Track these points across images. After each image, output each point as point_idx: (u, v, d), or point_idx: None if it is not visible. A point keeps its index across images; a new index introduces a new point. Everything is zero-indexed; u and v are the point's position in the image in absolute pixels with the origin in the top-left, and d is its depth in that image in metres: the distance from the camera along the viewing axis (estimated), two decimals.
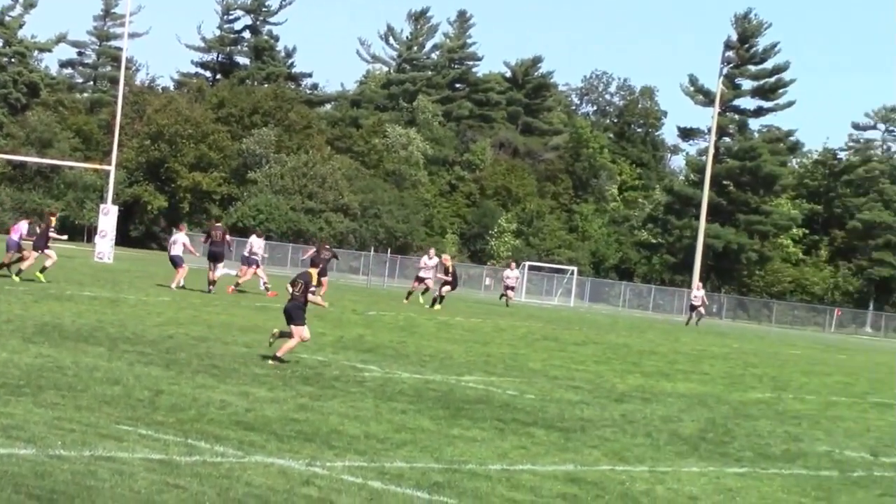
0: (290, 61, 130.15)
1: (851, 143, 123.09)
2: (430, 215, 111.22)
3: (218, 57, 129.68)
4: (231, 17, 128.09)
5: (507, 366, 24.22)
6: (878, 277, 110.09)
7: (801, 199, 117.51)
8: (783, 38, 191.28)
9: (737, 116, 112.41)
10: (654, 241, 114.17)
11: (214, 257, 39.17)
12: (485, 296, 76.89)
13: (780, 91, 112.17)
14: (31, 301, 26.95)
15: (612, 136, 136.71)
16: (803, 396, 25.08)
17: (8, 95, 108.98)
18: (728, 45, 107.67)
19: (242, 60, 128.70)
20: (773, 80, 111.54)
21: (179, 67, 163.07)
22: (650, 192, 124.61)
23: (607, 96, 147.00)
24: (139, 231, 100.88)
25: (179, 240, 40.00)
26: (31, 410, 12.64)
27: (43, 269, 34.38)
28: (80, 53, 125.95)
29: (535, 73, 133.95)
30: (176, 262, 39.19)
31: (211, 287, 37.87)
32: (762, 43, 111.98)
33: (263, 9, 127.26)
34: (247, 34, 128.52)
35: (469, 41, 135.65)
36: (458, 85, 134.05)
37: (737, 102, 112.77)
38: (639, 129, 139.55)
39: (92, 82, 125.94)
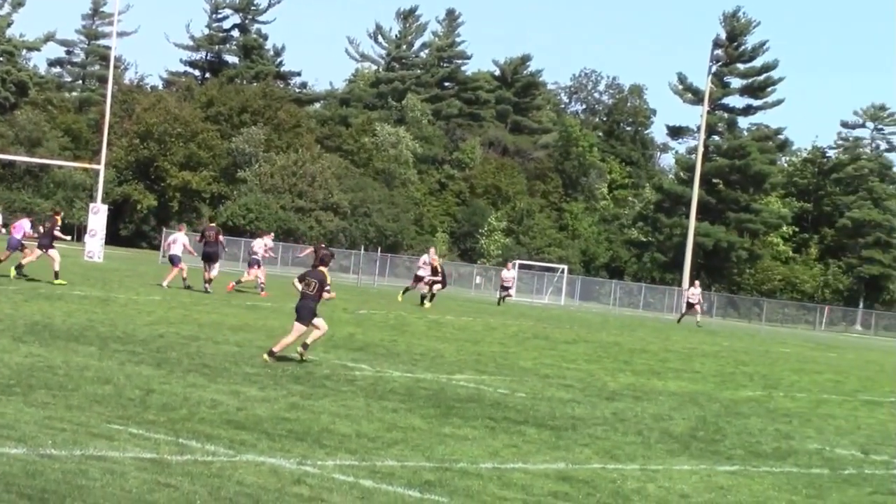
0: (278, 60, 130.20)
1: (840, 142, 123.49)
2: (420, 214, 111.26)
3: (207, 56, 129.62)
4: (220, 16, 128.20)
5: (498, 364, 24.20)
6: (867, 275, 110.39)
7: (790, 198, 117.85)
8: (772, 36, 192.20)
9: (726, 115, 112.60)
10: (644, 239, 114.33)
11: (209, 258, 39.36)
12: (475, 294, 76.89)
13: (769, 89, 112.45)
14: (22, 300, 26.89)
15: (601, 134, 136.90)
16: (794, 394, 25.11)
17: None
18: (717, 44, 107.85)
19: (231, 59, 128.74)
20: (761, 78, 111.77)
21: (168, 66, 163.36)
22: (640, 190, 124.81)
23: (596, 95, 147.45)
24: (129, 230, 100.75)
25: (179, 239, 40.15)
26: (21, 410, 12.61)
27: (56, 275, 34.25)
28: (68, 52, 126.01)
29: (524, 72, 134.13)
30: (174, 261, 39.34)
31: (207, 286, 37.92)
32: (751, 41, 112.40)
33: (252, 7, 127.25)
34: (235, 33, 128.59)
35: (458, 40, 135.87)
36: (447, 83, 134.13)
37: (726, 101, 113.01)
38: (628, 128, 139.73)
39: (81, 81, 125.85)
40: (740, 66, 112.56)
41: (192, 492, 9.71)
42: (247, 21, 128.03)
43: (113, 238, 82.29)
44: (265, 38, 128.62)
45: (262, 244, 42.36)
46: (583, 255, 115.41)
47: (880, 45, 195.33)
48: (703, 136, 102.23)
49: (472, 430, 14.74)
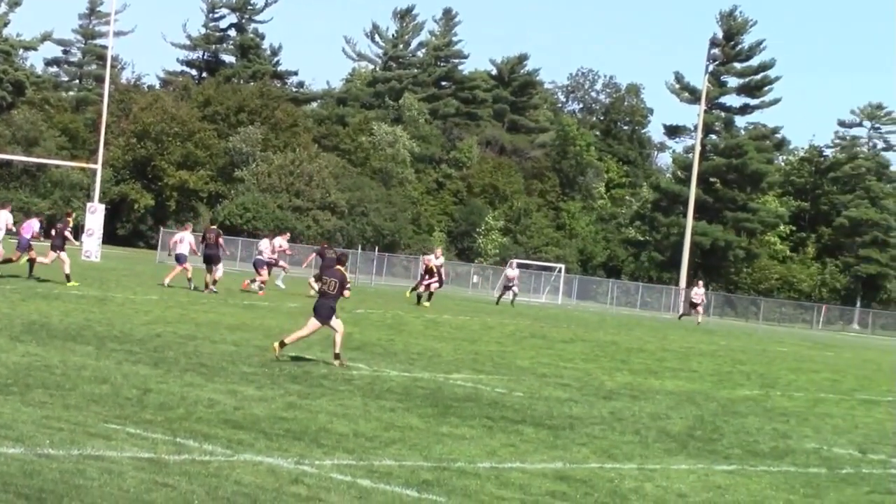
0: (275, 59, 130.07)
1: (837, 141, 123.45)
2: (418, 213, 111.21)
3: (203, 55, 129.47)
4: (216, 16, 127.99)
5: (495, 364, 24.21)
6: (864, 274, 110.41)
7: (787, 197, 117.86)
8: (769, 35, 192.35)
9: (723, 114, 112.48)
10: (641, 238, 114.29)
11: (209, 259, 39.52)
12: (472, 294, 76.88)
13: (766, 88, 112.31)
14: (19, 300, 26.88)
15: (598, 133, 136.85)
16: (791, 393, 25.12)
17: None
18: (714, 43, 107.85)
19: (228, 58, 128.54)
20: (758, 77, 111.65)
21: (165, 66, 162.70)
22: (637, 189, 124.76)
23: (593, 94, 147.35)
24: (126, 229, 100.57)
25: (186, 238, 40.25)
26: (19, 409, 12.60)
27: (68, 278, 34.23)
28: (65, 52, 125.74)
29: (521, 71, 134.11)
30: (179, 260, 39.44)
31: (212, 287, 38.01)
32: (748, 40, 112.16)
33: (249, 7, 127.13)
34: (232, 32, 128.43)
35: (455, 39, 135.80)
36: (444, 83, 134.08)
37: (723, 100, 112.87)
38: (625, 127, 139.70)
39: (77, 81, 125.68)
40: (737, 66, 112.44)
41: (189, 491, 9.71)
42: (244, 20, 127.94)
43: (110, 237, 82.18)
44: (262, 37, 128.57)
45: (268, 244, 42.87)
46: (580, 255, 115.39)
47: (877, 45, 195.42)
48: (700, 135, 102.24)
49: (469, 430, 14.74)
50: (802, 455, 15.99)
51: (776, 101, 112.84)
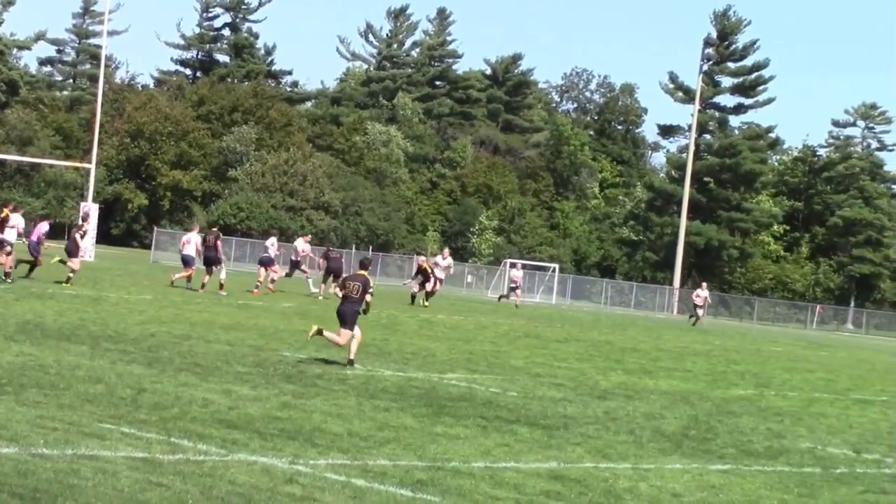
0: (269, 59, 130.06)
1: (831, 140, 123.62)
2: (412, 213, 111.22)
3: (198, 55, 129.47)
4: (211, 15, 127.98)
5: (489, 363, 24.21)
6: (858, 274, 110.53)
7: (781, 196, 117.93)
8: (762, 35, 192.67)
9: (717, 113, 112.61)
10: (635, 238, 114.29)
11: (209, 262, 39.64)
12: (466, 293, 76.88)
13: (760, 88, 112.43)
14: (13, 299, 26.85)
15: (592, 133, 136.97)
16: (785, 393, 25.14)
17: None
18: (707, 43, 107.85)
19: (222, 58, 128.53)
20: (752, 77, 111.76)
21: (159, 65, 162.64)
22: (631, 189, 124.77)
23: (587, 94, 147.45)
24: (120, 229, 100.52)
25: (193, 239, 40.27)
26: (13, 409, 12.58)
27: (69, 280, 34.19)
28: (59, 51, 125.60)
29: (516, 71, 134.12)
30: (187, 262, 39.49)
31: (219, 290, 38.01)
32: (742, 40, 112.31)
33: (243, 6, 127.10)
34: (226, 32, 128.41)
35: (449, 38, 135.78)
36: (438, 82, 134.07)
37: (717, 99, 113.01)
38: (619, 127, 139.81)
39: (71, 80, 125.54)
40: (731, 65, 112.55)
41: (183, 491, 9.70)
42: (238, 20, 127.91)
43: (104, 237, 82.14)
44: (256, 36, 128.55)
45: (273, 242, 43.19)
46: (574, 254, 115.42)
47: (871, 44, 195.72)
48: (693, 134, 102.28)
49: (463, 429, 14.74)
50: (797, 455, 16.00)
51: (770, 101, 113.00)
